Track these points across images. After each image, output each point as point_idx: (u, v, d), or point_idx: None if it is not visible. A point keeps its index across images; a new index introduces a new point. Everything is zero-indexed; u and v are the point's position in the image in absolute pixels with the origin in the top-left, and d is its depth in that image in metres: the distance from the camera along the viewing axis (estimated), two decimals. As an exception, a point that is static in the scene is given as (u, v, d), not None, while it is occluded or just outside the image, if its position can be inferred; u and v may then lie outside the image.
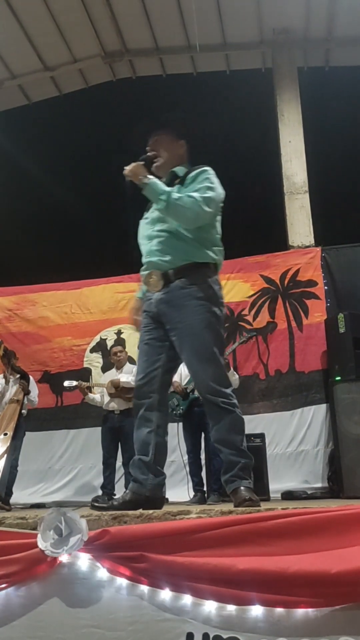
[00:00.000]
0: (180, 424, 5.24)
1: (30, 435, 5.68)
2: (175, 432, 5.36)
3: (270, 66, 7.78)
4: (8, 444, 4.84)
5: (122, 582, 1.51)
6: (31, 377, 5.58)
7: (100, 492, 5.37)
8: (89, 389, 5.60)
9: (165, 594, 1.48)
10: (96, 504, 2.42)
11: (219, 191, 2.45)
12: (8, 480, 4.94)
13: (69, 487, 6.21)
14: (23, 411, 5.28)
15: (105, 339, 6.56)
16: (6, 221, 7.80)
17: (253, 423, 5.81)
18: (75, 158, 8.39)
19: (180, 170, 2.54)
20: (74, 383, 5.58)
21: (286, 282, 6.36)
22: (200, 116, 7.81)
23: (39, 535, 1.57)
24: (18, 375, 5.37)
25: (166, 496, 2.84)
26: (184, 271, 2.37)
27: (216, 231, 2.50)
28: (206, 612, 1.44)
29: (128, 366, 5.54)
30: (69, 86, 8.43)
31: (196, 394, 5.17)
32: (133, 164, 2.45)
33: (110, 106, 8.46)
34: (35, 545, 1.55)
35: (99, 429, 5.64)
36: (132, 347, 6.15)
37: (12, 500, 5.19)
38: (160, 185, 2.41)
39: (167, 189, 2.39)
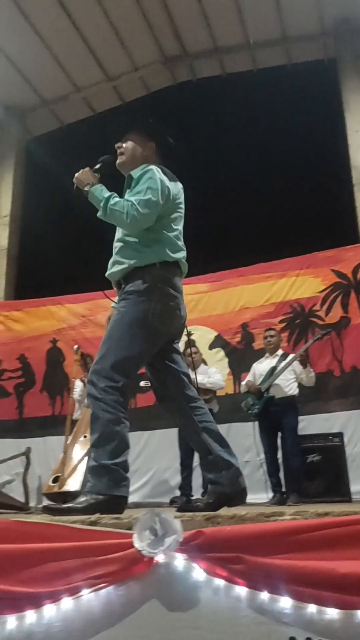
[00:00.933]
0: (256, 423, 5.19)
1: (108, 437, 5.81)
2: (251, 432, 5.34)
3: (333, 56, 7.58)
4: (89, 446, 4.98)
5: (220, 583, 1.50)
6: (106, 381, 5.71)
7: (177, 493, 5.42)
8: None
9: (264, 596, 1.46)
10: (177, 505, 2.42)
11: (162, 188, 2.35)
12: (90, 482, 5.06)
13: (145, 488, 6.29)
14: (100, 414, 5.41)
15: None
16: (71, 233, 8.04)
17: (330, 422, 5.68)
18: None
19: (136, 171, 2.46)
20: (150, 384, 5.65)
21: (359, 275, 6.17)
22: (263, 112, 7.73)
23: (134, 536, 1.59)
24: (95, 380, 5.51)
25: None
26: (128, 278, 2.38)
27: (172, 229, 2.43)
28: (308, 616, 1.41)
29: (202, 367, 5.56)
30: (130, 94, 8.59)
31: (271, 393, 5.13)
32: (82, 171, 2.47)
33: (172, 110, 8.53)
34: (131, 545, 1.58)
35: (173, 430, 5.68)
36: (203, 347, 6.20)
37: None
38: (100, 192, 2.38)
39: (107, 195, 2.37)
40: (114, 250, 2.50)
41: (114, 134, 2.65)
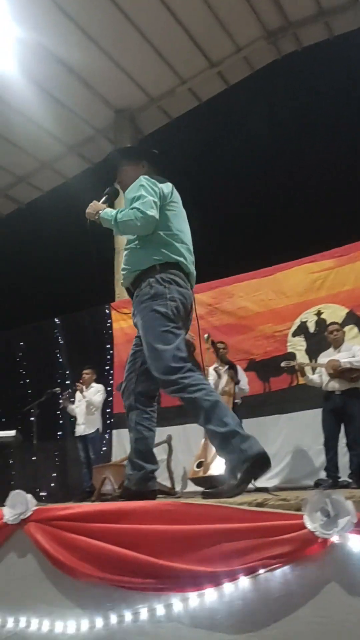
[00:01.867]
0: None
1: (244, 422, 5.85)
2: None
3: None
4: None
5: None
6: (238, 367, 5.75)
7: (322, 475, 5.32)
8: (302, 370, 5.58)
9: None
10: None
11: (152, 188, 2.55)
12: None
13: (286, 470, 6.24)
14: (237, 401, 5.46)
15: (306, 322, 6.45)
16: (195, 219, 8.16)
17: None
18: (251, 146, 8.42)
19: (127, 192, 2.66)
20: (292, 363, 5.60)
21: None
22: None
23: (305, 517, 1.59)
24: (227, 367, 5.58)
25: None
26: (135, 282, 2.58)
27: (167, 229, 2.57)
28: None
29: (346, 345, 5.38)
30: (235, 76, 8.49)
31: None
32: (90, 205, 2.73)
33: (278, 85, 8.31)
34: (303, 527, 1.58)
35: (309, 412, 5.58)
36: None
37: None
38: (109, 212, 2.62)
39: (113, 212, 2.59)
40: (125, 258, 2.70)
41: (112, 169, 2.91)
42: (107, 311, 8.10)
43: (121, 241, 8.43)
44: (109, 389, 7.58)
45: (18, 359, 9.41)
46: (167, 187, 2.67)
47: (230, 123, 8.36)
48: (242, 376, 5.79)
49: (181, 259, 2.58)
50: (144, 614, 1.68)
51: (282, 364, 5.68)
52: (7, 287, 9.66)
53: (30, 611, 1.88)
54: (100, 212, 2.68)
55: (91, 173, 9.76)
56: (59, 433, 8.07)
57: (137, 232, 2.58)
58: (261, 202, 8.30)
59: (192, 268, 2.65)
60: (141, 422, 2.61)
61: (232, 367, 5.66)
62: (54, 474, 7.77)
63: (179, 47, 7.74)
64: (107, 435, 7.42)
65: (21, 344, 9.39)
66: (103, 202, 2.77)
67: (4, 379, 9.26)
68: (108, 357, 7.97)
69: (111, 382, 7.72)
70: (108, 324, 8.06)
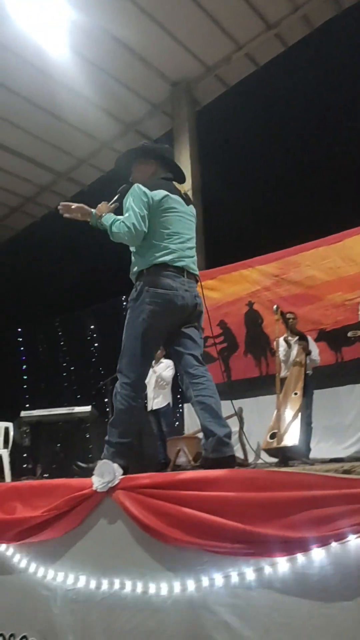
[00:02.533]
0: None
1: (316, 393, 5.77)
2: None
3: None
4: (300, 402, 5.02)
5: None
6: (309, 337, 5.65)
7: None
8: None
9: None
10: None
11: (140, 200, 2.70)
12: (306, 437, 5.12)
13: (363, 440, 6.14)
14: (308, 372, 5.38)
15: (377, 289, 6.23)
16: (252, 196, 8.01)
17: None
18: (313, 108, 8.10)
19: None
20: (358, 332, 5.45)
21: None
22: None
23: None
24: (297, 337, 5.49)
25: None
26: (135, 283, 2.80)
27: (159, 234, 2.72)
28: None
29: None
30: (293, 37, 8.16)
31: None
32: (98, 206, 2.88)
33: (339, 41, 7.89)
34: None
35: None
36: None
37: (310, 456, 5.37)
38: (106, 220, 2.78)
39: (109, 222, 2.76)
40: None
41: (123, 170, 3.06)
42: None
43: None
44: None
45: (89, 338, 9.71)
46: (159, 194, 2.76)
47: (290, 86, 8.06)
48: (313, 347, 5.68)
49: (169, 257, 2.72)
50: (234, 577, 1.72)
51: (349, 334, 5.53)
52: (77, 267, 9.90)
53: (123, 574, 1.96)
54: (102, 216, 2.82)
55: (151, 149, 9.74)
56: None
57: (126, 243, 2.78)
58: (325, 166, 8.00)
59: (187, 262, 2.78)
60: (199, 392, 2.68)
61: (302, 338, 5.56)
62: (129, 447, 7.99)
63: (234, 11, 7.50)
64: (179, 409, 7.55)
65: (92, 323, 9.66)
66: (112, 202, 2.91)
67: (78, 357, 9.59)
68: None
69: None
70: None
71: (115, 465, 2.19)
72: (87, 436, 8.49)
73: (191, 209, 2.96)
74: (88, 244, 9.95)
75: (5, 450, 6.24)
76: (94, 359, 9.46)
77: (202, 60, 8.36)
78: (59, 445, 6.71)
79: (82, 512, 2.15)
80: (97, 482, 2.16)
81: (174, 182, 2.92)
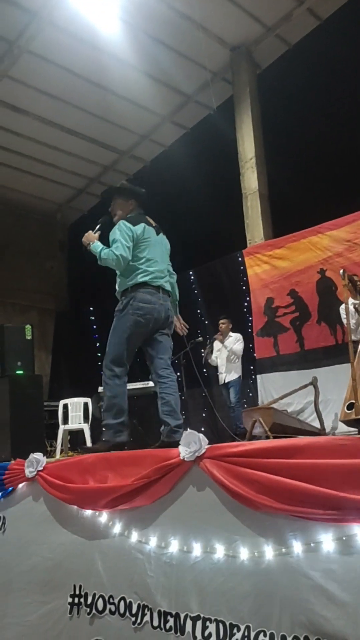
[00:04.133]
0: None
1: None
2: None
3: None
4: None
5: None
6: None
7: None
8: None
9: None
10: None
11: (126, 235, 3.40)
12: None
13: None
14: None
15: None
16: (317, 161, 7.69)
17: None
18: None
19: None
20: None
21: None
22: None
23: None
24: (366, 302, 5.30)
25: None
26: (120, 298, 3.51)
27: (139, 259, 3.44)
28: None
29: None
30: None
31: None
32: (85, 235, 3.55)
33: None
34: None
35: None
36: None
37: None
38: (95, 248, 3.47)
39: (99, 250, 3.44)
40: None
41: (106, 201, 3.77)
42: (239, 258, 8.06)
43: (248, 186, 8.27)
44: (249, 331, 7.65)
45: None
46: (140, 227, 3.49)
47: (358, 40, 7.60)
48: (389, 313, 5.47)
49: (147, 278, 3.43)
50: (328, 543, 1.72)
51: None
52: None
53: (214, 538, 2.01)
54: (91, 243, 3.50)
55: (213, 119, 9.57)
56: (205, 380, 8.35)
57: (113, 267, 3.46)
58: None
59: (162, 282, 3.51)
60: (162, 390, 3.46)
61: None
62: (204, 420, 8.11)
63: None
64: (252, 380, 7.54)
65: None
66: (96, 231, 3.58)
67: None
68: (245, 303, 8.00)
69: (250, 328, 7.77)
70: (242, 271, 8.05)
71: (201, 435, 2.22)
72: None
73: (161, 238, 3.70)
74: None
75: (86, 424, 6.50)
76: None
77: (261, 21, 8.07)
78: (134, 419, 6.88)
79: (171, 480, 2.21)
80: (184, 451, 2.21)
81: (147, 217, 3.65)
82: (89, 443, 6.94)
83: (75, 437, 7.54)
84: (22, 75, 8.68)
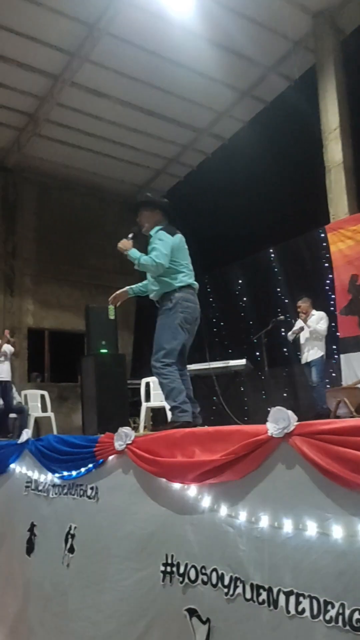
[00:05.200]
0: None
1: None
2: None
3: None
4: None
5: None
6: None
7: None
8: None
9: None
10: None
11: (167, 245, 3.77)
12: None
13: None
14: None
15: None
16: None
17: None
18: None
19: (153, 231, 3.95)
20: None
21: None
22: None
23: None
24: None
25: None
26: (162, 299, 3.88)
27: (180, 264, 3.85)
28: None
29: None
30: None
31: None
32: (122, 241, 3.95)
33: None
34: None
35: None
36: None
37: None
38: (133, 254, 3.87)
39: (137, 255, 3.84)
40: (150, 282, 3.97)
41: (135, 211, 4.17)
42: (321, 235, 7.82)
43: (331, 158, 7.95)
44: (332, 309, 7.44)
45: (237, 292, 9.77)
46: (177, 237, 3.91)
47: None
48: None
49: (191, 280, 3.88)
50: None
51: None
52: (220, 225, 9.95)
53: (305, 516, 1.98)
54: (128, 251, 3.91)
55: (294, 91, 9.26)
56: (286, 360, 8.25)
57: (151, 273, 3.87)
58: None
59: (195, 282, 3.93)
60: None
61: None
62: (285, 399, 8.03)
63: None
64: (334, 359, 7.35)
65: (239, 277, 9.69)
66: (130, 239, 3.96)
67: (228, 312, 9.73)
68: (327, 281, 7.77)
69: (332, 306, 7.55)
70: (324, 248, 7.80)
71: (290, 412, 2.19)
72: (242, 389, 8.68)
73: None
74: (231, 202, 9.93)
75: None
76: (242, 313, 9.53)
77: (345, -18, 7.67)
78: (214, 398, 6.93)
79: (259, 456, 2.20)
80: (272, 428, 2.19)
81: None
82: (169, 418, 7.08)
83: (157, 415, 7.72)
84: (102, 58, 8.81)
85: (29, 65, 8.99)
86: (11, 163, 11.60)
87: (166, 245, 3.78)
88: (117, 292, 4.20)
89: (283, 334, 7.49)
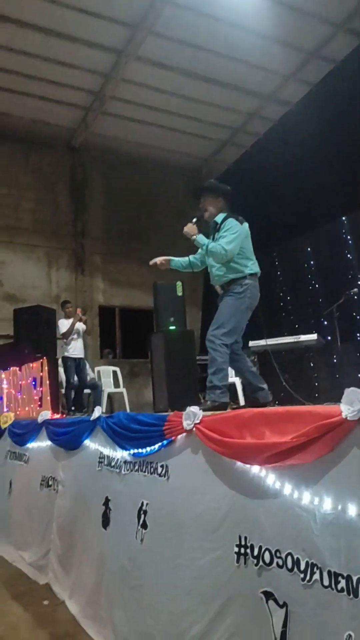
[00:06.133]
0: None
1: None
2: None
3: None
4: None
5: None
6: None
7: None
8: None
9: None
10: None
11: (238, 234, 3.89)
12: None
13: None
14: None
15: None
16: None
17: None
18: None
19: (219, 218, 4.04)
20: None
21: None
22: None
23: None
24: None
25: None
26: (229, 284, 3.99)
27: (247, 251, 3.99)
28: None
29: None
30: None
31: None
32: (187, 225, 4.06)
33: None
34: None
35: None
36: None
37: None
38: (201, 240, 4.00)
39: (206, 242, 3.97)
40: (215, 269, 4.04)
41: (196, 197, 4.26)
42: None
43: None
44: None
45: (306, 265, 9.47)
46: (245, 225, 3.99)
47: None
48: None
49: (257, 269, 4.02)
50: None
51: None
52: (289, 195, 9.61)
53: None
54: (195, 236, 4.01)
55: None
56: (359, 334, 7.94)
57: (218, 260, 3.95)
58: None
59: (259, 273, 4.05)
60: (245, 364, 4.25)
61: None
62: (358, 375, 7.73)
63: None
64: None
65: (309, 249, 9.37)
66: (194, 223, 4.07)
67: (296, 285, 9.47)
68: None
69: None
70: None
71: (365, 394, 2.07)
72: (312, 365, 8.45)
73: None
74: (300, 171, 9.54)
75: (237, 378, 6.55)
76: (310, 287, 9.24)
77: None
78: (286, 374, 6.81)
79: (333, 440, 2.10)
80: (346, 410, 2.08)
81: None
82: (240, 397, 7.04)
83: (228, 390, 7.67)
84: (165, 29, 8.66)
85: (93, 42, 8.99)
86: (79, 143, 11.75)
87: (236, 234, 3.86)
88: (160, 258, 4.27)
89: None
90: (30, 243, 11.39)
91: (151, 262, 4.31)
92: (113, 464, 3.68)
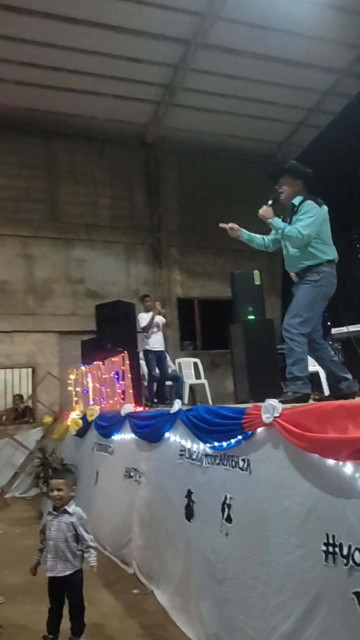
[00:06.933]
0: None
1: None
2: None
3: None
4: None
5: None
6: None
7: None
8: None
9: None
10: None
11: (316, 218, 3.76)
12: None
13: None
14: None
15: None
16: None
17: None
18: None
19: (296, 200, 3.93)
20: None
21: None
22: None
23: None
24: None
25: None
26: (306, 271, 3.86)
27: (325, 236, 3.85)
28: None
29: None
30: None
31: None
32: (262, 208, 3.93)
33: None
34: None
35: None
36: None
37: None
38: (277, 223, 3.88)
39: (282, 225, 3.85)
40: (291, 253, 3.90)
41: (272, 178, 4.05)
42: None
43: None
44: None
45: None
46: (324, 208, 3.84)
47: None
48: None
49: (335, 256, 3.86)
50: None
51: None
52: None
53: None
54: (271, 219, 3.87)
55: None
56: None
57: (294, 245, 3.82)
58: None
59: (337, 260, 3.89)
60: (328, 353, 4.10)
61: None
62: None
63: None
64: None
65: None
66: (269, 206, 3.91)
67: (348, 274, 8.97)
68: None
69: None
70: None
71: None
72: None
73: None
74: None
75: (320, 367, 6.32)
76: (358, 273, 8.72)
77: None
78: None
79: None
80: None
81: None
82: (325, 386, 6.80)
83: (310, 380, 7.44)
84: (233, 13, 8.48)
85: (159, 34, 8.98)
86: (152, 138, 11.83)
87: (314, 217, 3.73)
88: (232, 224, 4.15)
89: None
90: (109, 239, 11.65)
91: (221, 224, 4.20)
92: (194, 456, 3.68)
